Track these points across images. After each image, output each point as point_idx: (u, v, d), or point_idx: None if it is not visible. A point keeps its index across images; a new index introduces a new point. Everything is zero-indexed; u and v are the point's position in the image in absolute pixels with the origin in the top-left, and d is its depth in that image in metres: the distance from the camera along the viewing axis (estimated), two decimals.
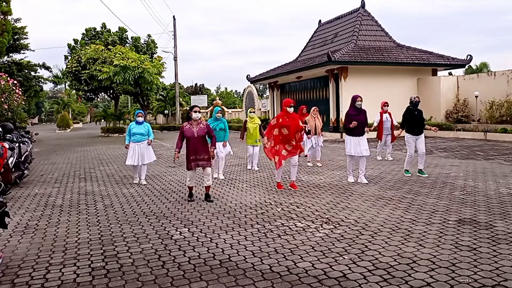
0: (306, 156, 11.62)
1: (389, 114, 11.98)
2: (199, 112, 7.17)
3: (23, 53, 31.36)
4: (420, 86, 22.33)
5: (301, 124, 7.97)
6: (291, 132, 7.74)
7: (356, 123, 8.13)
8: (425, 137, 14.99)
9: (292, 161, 7.96)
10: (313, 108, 11.24)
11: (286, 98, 8.18)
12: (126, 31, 37.30)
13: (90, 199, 7.52)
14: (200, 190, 8.10)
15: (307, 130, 10.80)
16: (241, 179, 9.26)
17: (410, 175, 9.00)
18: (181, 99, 41.33)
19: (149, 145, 9.10)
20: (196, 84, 66.56)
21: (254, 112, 10.82)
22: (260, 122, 10.70)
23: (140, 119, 9.11)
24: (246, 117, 11.04)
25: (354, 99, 8.47)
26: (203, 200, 7.09)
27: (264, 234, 5.08)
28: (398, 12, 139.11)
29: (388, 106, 12.05)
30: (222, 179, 9.33)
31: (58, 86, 76.47)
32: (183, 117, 38.60)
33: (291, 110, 7.86)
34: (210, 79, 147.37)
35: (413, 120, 9.04)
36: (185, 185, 8.75)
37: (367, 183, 8.26)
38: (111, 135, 31.02)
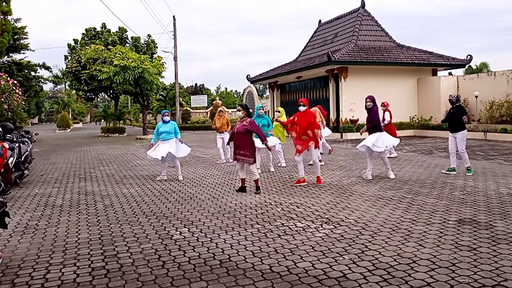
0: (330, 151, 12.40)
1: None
2: (240, 111, 7.67)
3: (23, 53, 31.35)
4: (420, 86, 22.33)
5: (316, 122, 8.32)
6: (300, 130, 8.16)
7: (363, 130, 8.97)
8: (426, 137, 15.10)
9: (313, 156, 8.46)
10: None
11: (301, 98, 8.54)
12: (126, 31, 37.29)
13: (90, 199, 7.52)
14: (200, 190, 8.11)
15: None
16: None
17: (454, 172, 9.04)
18: (181, 99, 41.29)
19: (181, 142, 9.60)
20: (196, 84, 66.65)
21: (279, 112, 11.18)
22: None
23: (167, 118, 9.46)
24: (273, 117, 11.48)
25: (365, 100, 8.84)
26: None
27: (264, 234, 5.08)
28: (398, 12, 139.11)
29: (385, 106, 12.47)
30: (273, 171, 10.19)
31: (58, 86, 76.47)
32: (183, 117, 38.60)
33: (301, 109, 8.20)
34: (210, 79, 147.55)
35: (447, 118, 9.31)
36: (185, 185, 8.76)
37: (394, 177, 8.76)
38: (111, 135, 31.02)
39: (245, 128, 7.44)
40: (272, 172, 10.18)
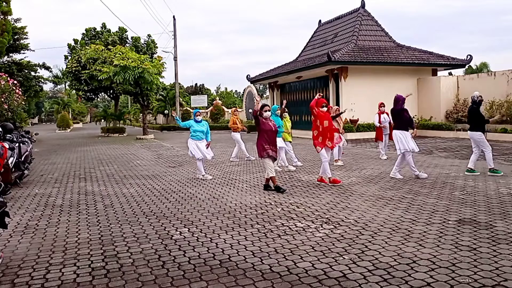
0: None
1: (387, 114, 12.00)
2: (268, 110, 7.95)
3: (23, 53, 31.29)
4: (420, 86, 22.33)
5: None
6: (329, 126, 8.38)
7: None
8: (425, 137, 14.92)
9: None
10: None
11: (320, 99, 8.57)
12: (126, 31, 37.25)
13: (90, 199, 7.52)
14: (200, 190, 8.10)
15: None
16: (241, 179, 9.27)
17: (501, 174, 8.80)
18: (181, 99, 41.28)
19: (207, 147, 9.60)
20: (196, 84, 66.57)
21: (287, 112, 11.30)
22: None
23: (199, 117, 9.63)
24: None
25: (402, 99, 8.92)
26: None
27: (264, 234, 5.08)
28: (398, 12, 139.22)
29: (384, 106, 12.10)
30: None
31: (58, 86, 76.40)
32: (183, 117, 38.61)
33: (325, 109, 8.42)
34: (210, 79, 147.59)
35: (482, 118, 9.12)
36: (185, 185, 8.75)
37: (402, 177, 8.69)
38: (111, 135, 31.03)
39: (277, 128, 8.01)
40: (294, 171, 10.23)
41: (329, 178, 8.35)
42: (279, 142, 10.00)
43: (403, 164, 8.97)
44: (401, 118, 8.84)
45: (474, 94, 9.36)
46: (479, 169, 9.60)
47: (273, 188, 7.80)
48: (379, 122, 12.09)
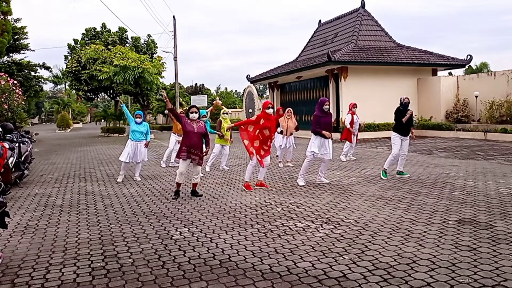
0: (277, 156, 11.74)
1: (357, 115, 11.97)
2: (196, 112, 7.45)
3: (23, 53, 31.27)
4: (420, 86, 22.33)
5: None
6: (271, 134, 8.02)
7: (330, 134, 8.18)
8: (425, 137, 15.01)
9: (265, 162, 8.09)
10: (287, 109, 11.33)
11: (265, 100, 8.32)
12: (126, 31, 37.24)
13: (90, 199, 7.52)
14: (204, 189, 8.09)
15: (279, 131, 10.94)
16: (241, 179, 9.26)
17: (386, 178, 8.71)
18: (181, 99, 41.27)
19: (146, 147, 9.51)
20: (196, 84, 66.50)
21: (227, 113, 11.11)
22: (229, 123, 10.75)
23: (138, 120, 9.55)
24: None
25: (322, 102, 8.36)
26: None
27: (264, 234, 5.08)
28: (398, 12, 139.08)
29: (356, 107, 11.98)
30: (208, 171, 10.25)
31: (58, 86, 76.45)
32: None
33: (270, 111, 7.98)
34: (210, 79, 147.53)
35: (398, 121, 8.89)
36: (185, 185, 8.75)
37: (328, 182, 8.45)
38: (111, 135, 31.03)
39: (203, 130, 7.38)
40: (208, 172, 10.09)
41: (246, 182, 8.15)
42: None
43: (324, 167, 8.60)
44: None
45: (402, 96, 9.24)
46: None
47: (173, 194, 7.48)
48: (351, 123, 11.73)
